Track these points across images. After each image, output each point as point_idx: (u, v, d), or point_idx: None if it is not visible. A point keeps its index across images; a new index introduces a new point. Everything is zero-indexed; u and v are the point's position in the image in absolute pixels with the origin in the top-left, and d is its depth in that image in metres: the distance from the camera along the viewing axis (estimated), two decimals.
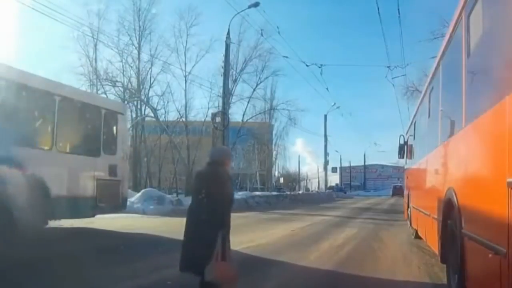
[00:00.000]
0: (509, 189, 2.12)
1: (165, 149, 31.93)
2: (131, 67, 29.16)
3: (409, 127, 9.82)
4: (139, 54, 28.86)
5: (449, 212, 3.70)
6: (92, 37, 25.95)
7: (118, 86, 29.03)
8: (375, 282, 4.58)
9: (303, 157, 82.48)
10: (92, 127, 8.71)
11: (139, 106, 29.57)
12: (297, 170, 62.14)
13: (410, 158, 9.37)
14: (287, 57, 35.13)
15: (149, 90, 30.13)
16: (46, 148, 7.35)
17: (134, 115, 28.37)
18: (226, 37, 19.13)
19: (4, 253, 5.12)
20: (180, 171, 31.76)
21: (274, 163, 44.18)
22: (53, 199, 7.03)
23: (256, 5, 18.20)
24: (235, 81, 30.32)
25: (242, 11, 18.66)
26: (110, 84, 28.66)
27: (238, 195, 19.17)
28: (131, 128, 26.90)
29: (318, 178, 57.54)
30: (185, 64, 29.55)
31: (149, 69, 29.27)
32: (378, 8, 17.27)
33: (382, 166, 75.26)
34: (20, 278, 4.27)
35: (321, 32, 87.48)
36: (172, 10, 50.11)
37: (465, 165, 3.35)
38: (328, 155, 42.73)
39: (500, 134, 2.31)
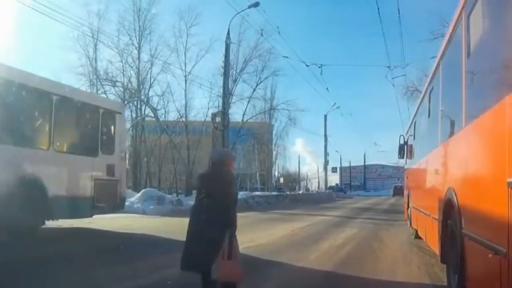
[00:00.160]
0: (509, 189, 2.11)
1: (165, 149, 31.87)
2: (131, 67, 29.17)
3: (409, 127, 9.82)
4: (139, 54, 28.86)
5: (449, 212, 3.70)
6: (92, 37, 25.95)
7: (118, 86, 29.06)
8: (375, 282, 4.58)
9: (303, 157, 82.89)
10: (90, 126, 8.70)
11: (139, 106, 29.56)
12: (297, 170, 62.31)
13: (410, 158, 9.37)
14: (287, 57, 34.99)
15: (149, 90, 30.16)
16: (43, 147, 7.33)
17: (134, 115, 28.43)
18: (226, 37, 19.13)
19: (3, 253, 5.10)
20: (180, 171, 31.74)
21: (274, 163, 44.29)
22: (50, 199, 7.02)
23: (256, 5, 18.19)
24: (235, 81, 30.36)
25: (242, 11, 18.67)
26: (110, 84, 28.68)
27: (238, 195, 19.11)
28: (131, 128, 26.95)
29: (318, 178, 57.67)
30: (185, 64, 29.57)
31: (149, 69, 29.29)
32: (378, 8, 17.40)
33: (382, 166, 75.28)
34: (20, 278, 4.26)
35: (321, 32, 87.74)
36: (172, 10, 50.25)
37: (465, 165, 3.35)
38: (328, 155, 42.86)
39: (500, 134, 2.31)
